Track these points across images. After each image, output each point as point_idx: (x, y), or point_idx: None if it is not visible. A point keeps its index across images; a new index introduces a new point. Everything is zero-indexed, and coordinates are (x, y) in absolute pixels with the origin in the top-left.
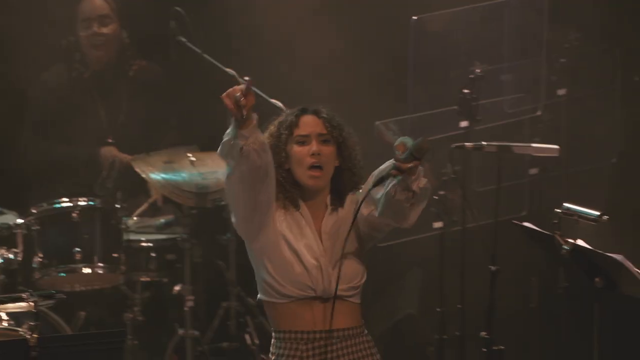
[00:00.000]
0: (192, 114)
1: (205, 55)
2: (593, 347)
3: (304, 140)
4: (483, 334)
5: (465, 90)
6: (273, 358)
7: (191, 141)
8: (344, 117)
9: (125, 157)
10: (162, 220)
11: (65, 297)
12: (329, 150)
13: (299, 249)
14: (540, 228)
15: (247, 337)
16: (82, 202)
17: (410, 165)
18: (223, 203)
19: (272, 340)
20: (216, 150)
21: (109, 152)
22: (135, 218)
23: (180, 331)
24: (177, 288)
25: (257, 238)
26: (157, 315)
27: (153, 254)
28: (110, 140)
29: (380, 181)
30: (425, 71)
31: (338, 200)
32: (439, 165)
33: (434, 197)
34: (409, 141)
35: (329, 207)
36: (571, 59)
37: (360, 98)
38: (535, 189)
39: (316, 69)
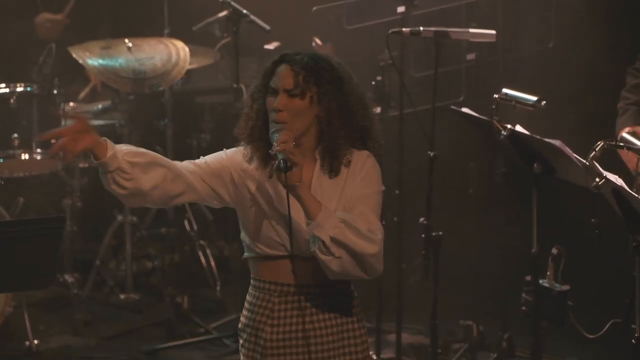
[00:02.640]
0: None
1: None
2: (531, 231)
3: (273, 93)
4: (422, 220)
5: None
6: (247, 305)
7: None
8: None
9: (59, 17)
10: (99, 105)
11: (3, 183)
12: (294, 104)
13: (269, 210)
14: (478, 113)
15: (185, 222)
16: (19, 88)
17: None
18: (161, 89)
19: (250, 287)
20: (153, 35)
21: (44, 18)
22: (72, 104)
23: (119, 217)
24: None
25: (230, 204)
26: (95, 201)
27: None
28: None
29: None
30: None
31: (328, 157)
32: (376, 52)
33: (372, 82)
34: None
35: (318, 162)
36: None
37: None
38: (472, 75)
39: None
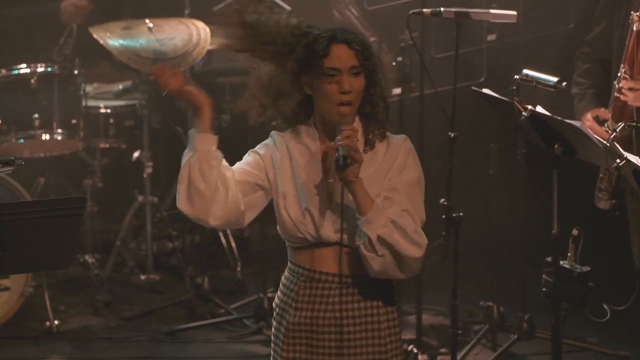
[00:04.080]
0: None
1: None
2: (552, 212)
3: (334, 74)
4: (442, 200)
5: None
6: (280, 286)
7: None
8: None
9: (84, 2)
10: (120, 86)
11: (24, 163)
12: (359, 83)
13: (286, 195)
14: (498, 94)
15: None
16: (40, 69)
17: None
18: (181, 69)
19: (286, 269)
20: (174, 15)
21: (69, 2)
22: (96, 84)
23: (140, 198)
24: (136, 154)
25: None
26: (116, 181)
27: (112, 120)
28: None
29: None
30: None
31: (367, 138)
32: (397, 32)
33: (392, 63)
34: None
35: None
36: None
37: None
38: (493, 56)
39: None
